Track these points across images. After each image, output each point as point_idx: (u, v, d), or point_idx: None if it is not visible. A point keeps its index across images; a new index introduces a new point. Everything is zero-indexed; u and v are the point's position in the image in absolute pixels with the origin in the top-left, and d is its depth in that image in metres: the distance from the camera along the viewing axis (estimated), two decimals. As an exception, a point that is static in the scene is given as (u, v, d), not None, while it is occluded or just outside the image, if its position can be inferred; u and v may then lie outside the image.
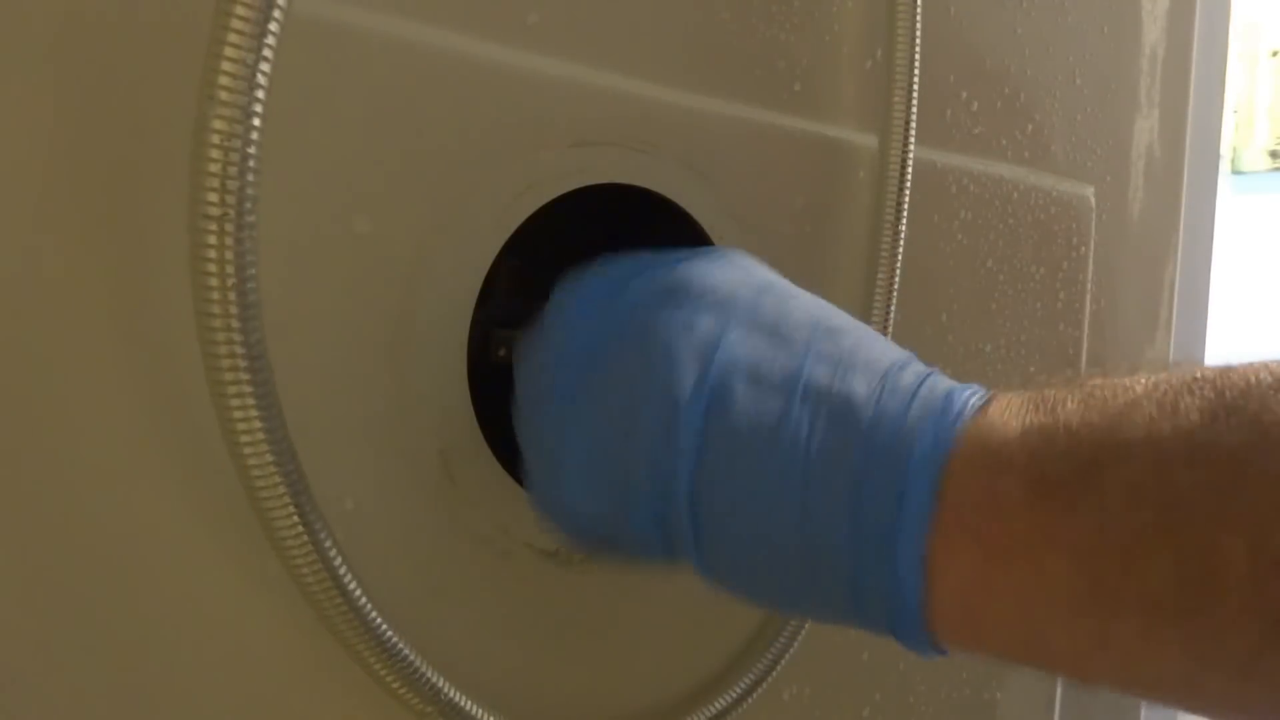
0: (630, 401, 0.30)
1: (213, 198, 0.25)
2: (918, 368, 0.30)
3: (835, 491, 0.28)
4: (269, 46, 0.25)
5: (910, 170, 0.46)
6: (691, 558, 0.30)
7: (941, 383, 0.29)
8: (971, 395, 0.29)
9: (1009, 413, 0.27)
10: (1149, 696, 0.27)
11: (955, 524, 0.26)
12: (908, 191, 0.46)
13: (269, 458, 0.27)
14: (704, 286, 0.32)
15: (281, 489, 0.28)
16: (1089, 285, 0.64)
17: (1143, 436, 0.25)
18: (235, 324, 0.26)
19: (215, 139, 0.25)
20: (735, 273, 0.33)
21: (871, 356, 0.30)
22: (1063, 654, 0.26)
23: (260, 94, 0.25)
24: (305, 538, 0.28)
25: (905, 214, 0.46)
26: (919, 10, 0.45)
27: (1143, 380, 0.26)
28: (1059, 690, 0.65)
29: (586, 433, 0.31)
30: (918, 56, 0.45)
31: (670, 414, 0.29)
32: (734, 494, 0.29)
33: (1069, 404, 0.27)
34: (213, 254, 0.25)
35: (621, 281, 0.33)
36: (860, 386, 0.29)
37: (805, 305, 0.32)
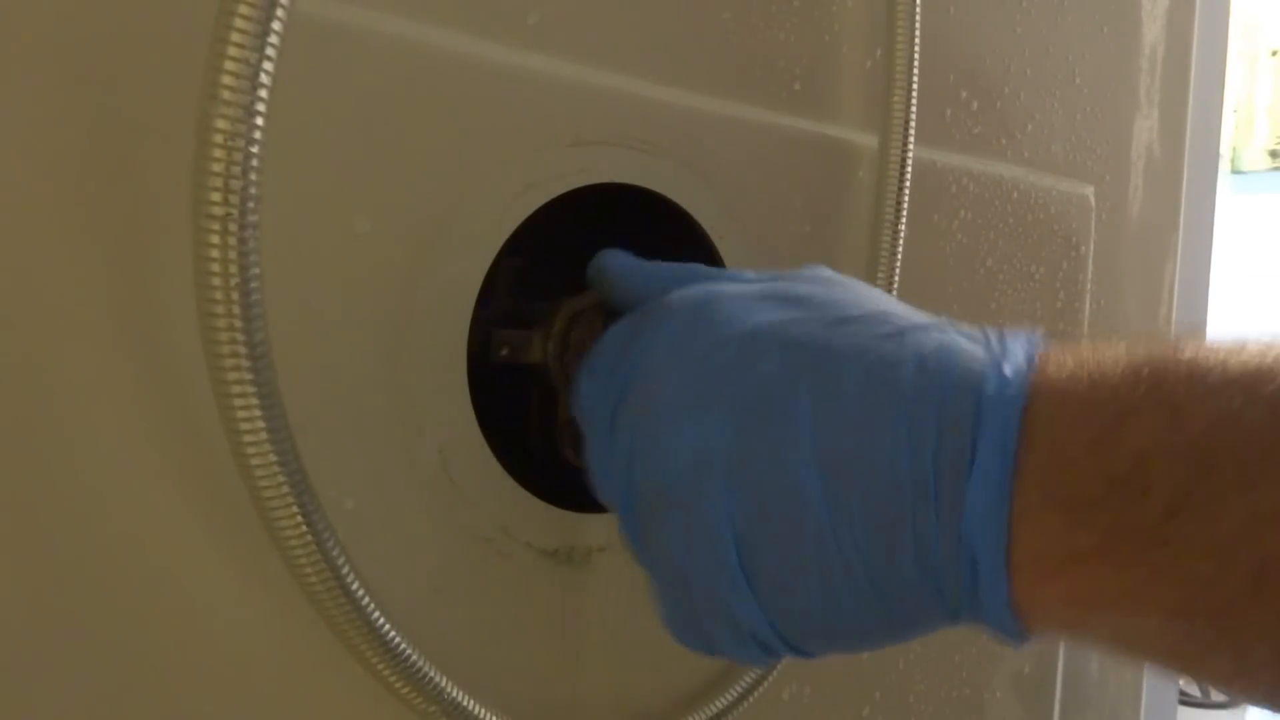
0: (680, 576, 0.30)
1: (216, 197, 0.25)
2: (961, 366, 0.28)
3: (905, 580, 0.27)
4: (272, 46, 0.25)
5: (910, 170, 0.46)
6: (784, 651, 0.30)
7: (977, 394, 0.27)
8: (1006, 420, 0.26)
9: (1063, 440, 0.25)
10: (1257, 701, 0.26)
11: (1034, 587, 0.26)
12: (908, 191, 0.46)
13: (272, 457, 0.27)
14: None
15: (285, 488, 0.28)
16: (1089, 285, 0.65)
17: (1232, 481, 0.23)
18: (239, 324, 0.26)
19: (218, 138, 0.25)
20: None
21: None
22: (1155, 667, 0.26)
23: (263, 93, 0.25)
24: (308, 537, 0.28)
25: (905, 214, 0.46)
26: (919, 10, 0.45)
27: (1238, 392, 0.23)
28: (1059, 690, 0.65)
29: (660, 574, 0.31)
30: (917, 56, 0.45)
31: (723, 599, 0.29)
32: (815, 627, 0.29)
33: (1140, 420, 0.24)
34: (216, 254, 0.25)
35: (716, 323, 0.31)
36: (889, 451, 0.27)
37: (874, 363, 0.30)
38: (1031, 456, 0.25)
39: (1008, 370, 0.26)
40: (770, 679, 0.44)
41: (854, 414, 0.27)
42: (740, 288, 0.32)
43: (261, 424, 0.27)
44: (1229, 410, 0.23)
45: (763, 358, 0.29)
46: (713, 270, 0.35)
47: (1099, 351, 0.26)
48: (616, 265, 0.37)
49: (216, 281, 0.26)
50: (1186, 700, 1.58)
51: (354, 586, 0.30)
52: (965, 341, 0.28)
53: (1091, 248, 0.64)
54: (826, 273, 0.33)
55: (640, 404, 0.31)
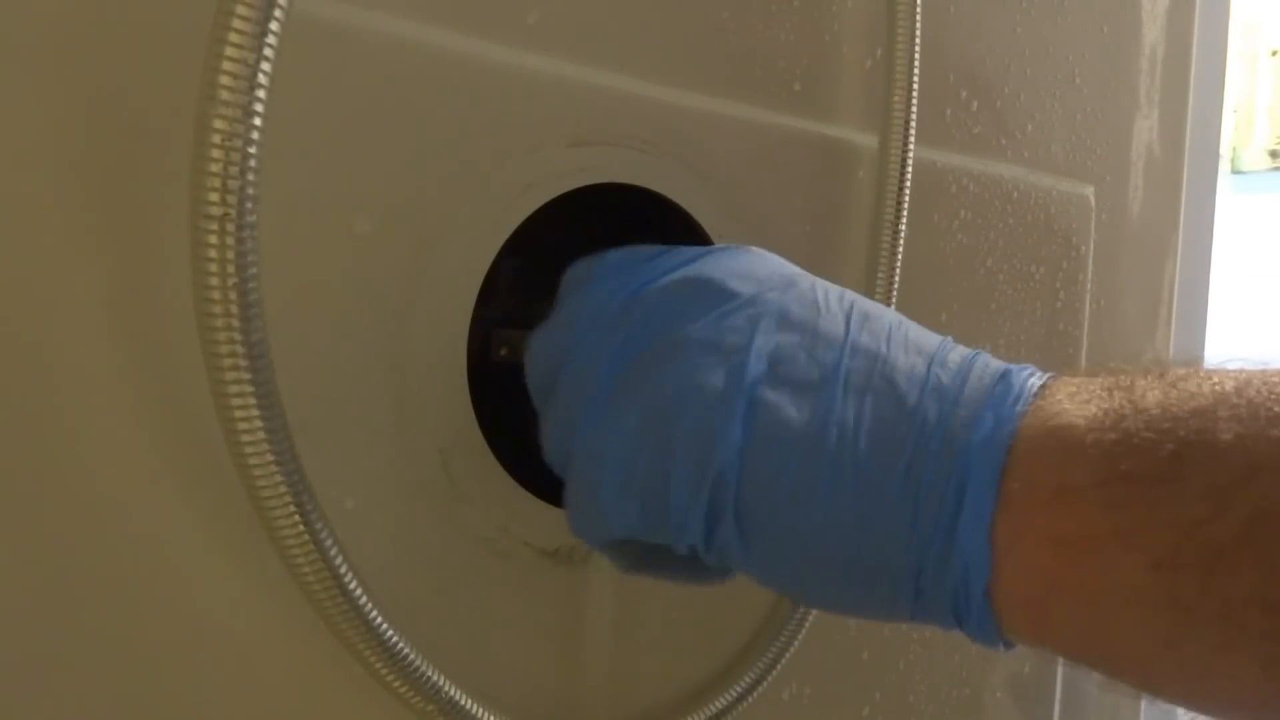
0: (664, 413, 0.29)
1: (214, 197, 0.25)
2: (963, 349, 0.29)
3: (889, 485, 0.27)
4: (270, 46, 0.25)
5: (910, 170, 0.46)
6: (741, 564, 0.29)
7: (994, 363, 0.28)
8: (1030, 375, 0.27)
9: (1077, 396, 0.26)
10: (1221, 713, 0.25)
11: (1021, 516, 0.25)
12: (908, 191, 0.46)
13: (270, 457, 0.27)
14: (729, 284, 0.31)
15: (283, 488, 0.28)
16: (1089, 285, 0.64)
17: (1231, 439, 0.23)
18: (236, 324, 0.26)
19: (216, 138, 0.25)
20: (759, 268, 0.32)
21: (913, 339, 0.29)
22: (1130, 659, 0.25)
23: (261, 93, 0.25)
24: (306, 537, 0.28)
25: (905, 214, 0.46)
26: (919, 10, 0.45)
27: (1232, 377, 0.25)
28: (1059, 689, 0.65)
29: (621, 440, 0.30)
30: (918, 56, 0.45)
31: (708, 427, 0.28)
32: (782, 498, 0.27)
33: (1148, 392, 0.25)
34: (214, 254, 0.25)
35: (643, 276, 0.32)
36: (904, 372, 0.28)
37: (835, 295, 0.31)
38: (1036, 399, 0.26)
39: (1001, 411, 0.27)
40: (770, 679, 0.44)
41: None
42: (656, 250, 0.34)
43: (259, 424, 0.27)
44: (1222, 389, 0.24)
45: (685, 329, 0.30)
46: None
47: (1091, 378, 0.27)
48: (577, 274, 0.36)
49: (214, 282, 0.26)
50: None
51: (352, 586, 0.30)
52: (965, 374, 0.29)
53: (1091, 248, 0.64)
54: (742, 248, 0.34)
55: (578, 354, 0.32)
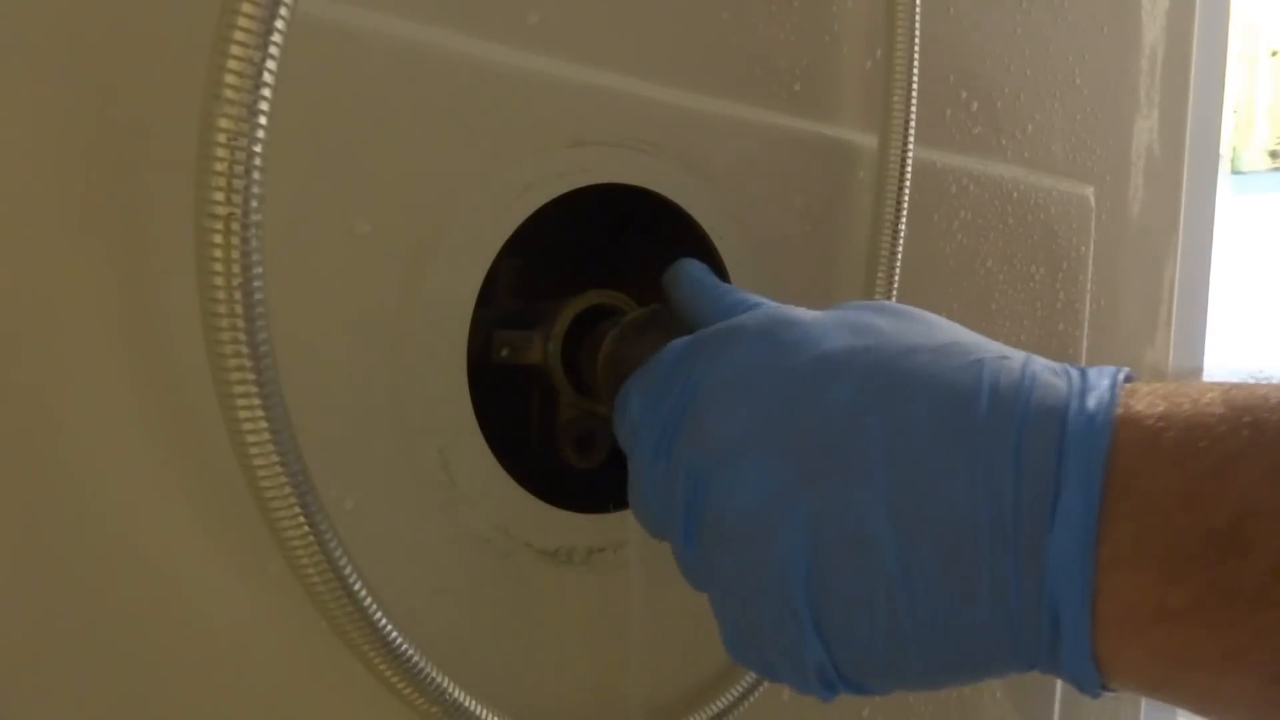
0: (742, 601, 0.29)
1: (219, 197, 0.25)
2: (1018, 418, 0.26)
3: (980, 628, 0.25)
4: (275, 45, 0.25)
5: (910, 170, 0.46)
6: (846, 689, 0.29)
7: (1053, 444, 0.25)
8: (1096, 478, 0.24)
9: (1159, 499, 0.23)
10: None
11: (1121, 638, 0.24)
12: (907, 191, 0.46)
13: (274, 457, 0.27)
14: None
15: (287, 489, 0.28)
16: (1089, 285, 0.65)
17: None
18: (241, 323, 0.26)
19: (221, 138, 0.25)
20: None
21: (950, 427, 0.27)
22: None
23: (266, 92, 0.25)
24: (310, 537, 0.28)
25: (905, 214, 0.46)
26: (919, 10, 0.45)
27: None
28: (1059, 690, 0.65)
29: (720, 601, 0.30)
30: (917, 56, 0.45)
31: (786, 640, 0.28)
32: (880, 667, 0.27)
33: (1241, 492, 0.22)
34: (219, 253, 0.25)
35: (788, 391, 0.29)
36: (963, 504, 0.26)
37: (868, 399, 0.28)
38: (1120, 503, 0.24)
39: (1091, 404, 0.25)
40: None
41: (926, 450, 0.26)
42: (810, 314, 0.31)
43: (264, 424, 0.27)
44: None
45: (830, 386, 0.28)
46: (783, 305, 0.33)
47: (1191, 393, 0.24)
48: (692, 277, 0.37)
49: (219, 281, 0.26)
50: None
51: (355, 586, 0.30)
52: (1045, 373, 0.26)
53: (1091, 248, 0.64)
54: (898, 305, 0.32)
55: (703, 434, 0.29)
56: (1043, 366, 0.27)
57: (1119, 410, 0.25)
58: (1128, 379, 0.26)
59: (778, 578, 0.27)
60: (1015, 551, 0.24)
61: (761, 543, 0.28)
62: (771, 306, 0.32)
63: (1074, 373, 0.26)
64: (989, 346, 0.28)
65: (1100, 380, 0.26)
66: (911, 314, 0.31)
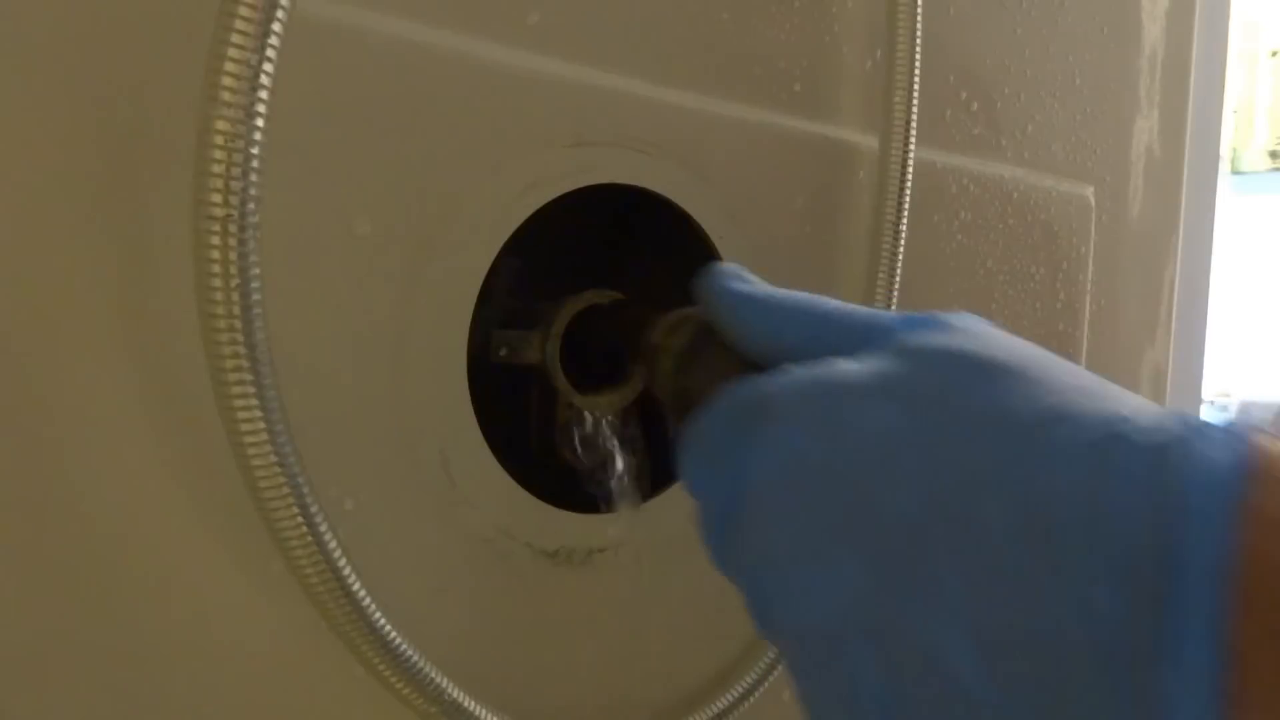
0: None
1: (216, 198, 0.25)
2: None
3: None
4: (272, 47, 0.25)
5: (910, 171, 0.46)
6: None
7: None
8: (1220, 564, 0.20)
9: None
10: None
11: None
12: (908, 192, 0.46)
13: (273, 458, 0.27)
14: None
15: (285, 489, 0.28)
16: (1089, 285, 0.65)
17: None
18: (239, 325, 0.26)
19: (219, 140, 0.25)
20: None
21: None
22: None
23: (263, 94, 0.25)
24: (309, 538, 0.28)
25: (905, 214, 0.46)
26: (919, 10, 0.45)
27: None
28: None
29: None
30: (918, 56, 0.45)
31: None
32: None
33: None
34: (216, 254, 0.26)
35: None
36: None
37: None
38: (1251, 627, 0.19)
39: (1211, 508, 0.20)
40: (770, 680, 0.44)
41: (1009, 571, 0.22)
42: (862, 374, 0.26)
43: (262, 424, 0.27)
44: None
45: (895, 488, 0.24)
46: (837, 313, 0.29)
47: None
48: (732, 295, 0.31)
49: (217, 283, 0.26)
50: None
51: (355, 587, 0.30)
52: (1141, 466, 0.21)
53: (1091, 248, 0.64)
54: (973, 331, 0.26)
55: (761, 530, 0.26)
56: (1141, 442, 0.22)
57: (1245, 505, 0.20)
58: (1255, 434, 0.21)
59: (848, 697, 0.25)
60: (1126, 693, 0.20)
61: (830, 658, 0.25)
62: (812, 370, 0.27)
63: (1180, 452, 0.21)
64: (1078, 407, 0.23)
65: (1215, 456, 0.20)
66: (986, 358, 0.25)
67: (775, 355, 0.29)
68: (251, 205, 0.26)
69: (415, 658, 0.32)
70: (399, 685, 0.32)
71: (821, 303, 0.30)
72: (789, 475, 0.26)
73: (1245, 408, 2.72)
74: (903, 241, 0.46)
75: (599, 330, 0.40)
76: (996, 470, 0.23)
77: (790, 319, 0.30)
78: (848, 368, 0.26)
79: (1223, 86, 0.82)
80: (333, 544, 0.29)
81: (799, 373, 0.27)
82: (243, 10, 0.25)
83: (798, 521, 0.25)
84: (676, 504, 0.42)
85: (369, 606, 0.30)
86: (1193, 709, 0.19)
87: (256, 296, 0.26)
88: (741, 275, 0.32)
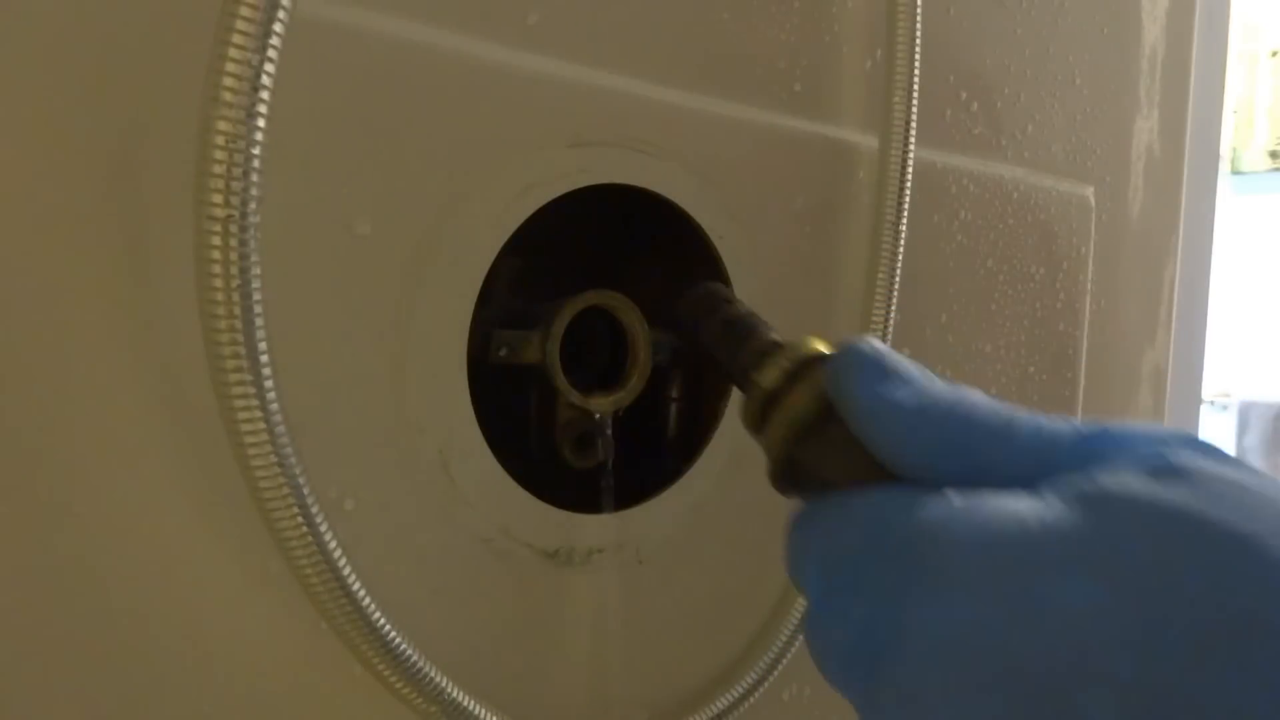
0: None
1: (217, 199, 0.25)
2: None
3: None
4: (273, 48, 0.25)
5: (910, 170, 0.46)
6: None
7: None
8: None
9: None
10: None
11: None
12: (908, 192, 0.46)
13: (273, 458, 0.27)
14: None
15: (285, 489, 0.28)
16: (1089, 285, 0.65)
17: None
18: (239, 325, 0.26)
19: (220, 140, 0.25)
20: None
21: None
22: None
23: (264, 95, 0.25)
24: (309, 538, 0.29)
25: (905, 214, 0.46)
26: (919, 10, 0.45)
27: None
28: None
29: None
30: (918, 56, 0.45)
31: None
32: None
33: None
34: (217, 255, 0.26)
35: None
36: None
37: None
38: None
39: None
40: (770, 680, 0.44)
41: None
42: (1049, 533, 0.22)
43: (262, 424, 0.27)
44: None
45: (1080, 690, 0.20)
46: (997, 425, 0.25)
47: None
48: (876, 402, 0.26)
49: (218, 283, 0.26)
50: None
51: (355, 586, 0.30)
52: None
53: (1091, 248, 0.64)
54: (1177, 469, 0.22)
55: (916, 695, 0.23)
56: None
57: None
58: None
59: None
60: None
61: None
62: (982, 510, 0.23)
63: None
64: None
65: None
66: (1223, 529, 0.21)
67: (920, 471, 0.25)
68: (252, 205, 0.26)
69: (414, 657, 0.32)
70: (398, 684, 0.32)
71: (976, 407, 0.25)
72: (961, 649, 0.22)
73: (1245, 408, 2.73)
74: (902, 241, 0.46)
75: (692, 310, 0.34)
76: (1214, 697, 0.19)
77: (945, 439, 0.25)
78: (1027, 516, 0.22)
79: (1223, 86, 0.82)
80: (332, 544, 0.29)
81: (964, 509, 0.23)
82: (244, 11, 0.25)
83: (964, 705, 0.22)
84: (676, 504, 0.42)
85: (368, 606, 0.30)
86: None
87: (257, 296, 0.26)
88: (883, 369, 0.26)
